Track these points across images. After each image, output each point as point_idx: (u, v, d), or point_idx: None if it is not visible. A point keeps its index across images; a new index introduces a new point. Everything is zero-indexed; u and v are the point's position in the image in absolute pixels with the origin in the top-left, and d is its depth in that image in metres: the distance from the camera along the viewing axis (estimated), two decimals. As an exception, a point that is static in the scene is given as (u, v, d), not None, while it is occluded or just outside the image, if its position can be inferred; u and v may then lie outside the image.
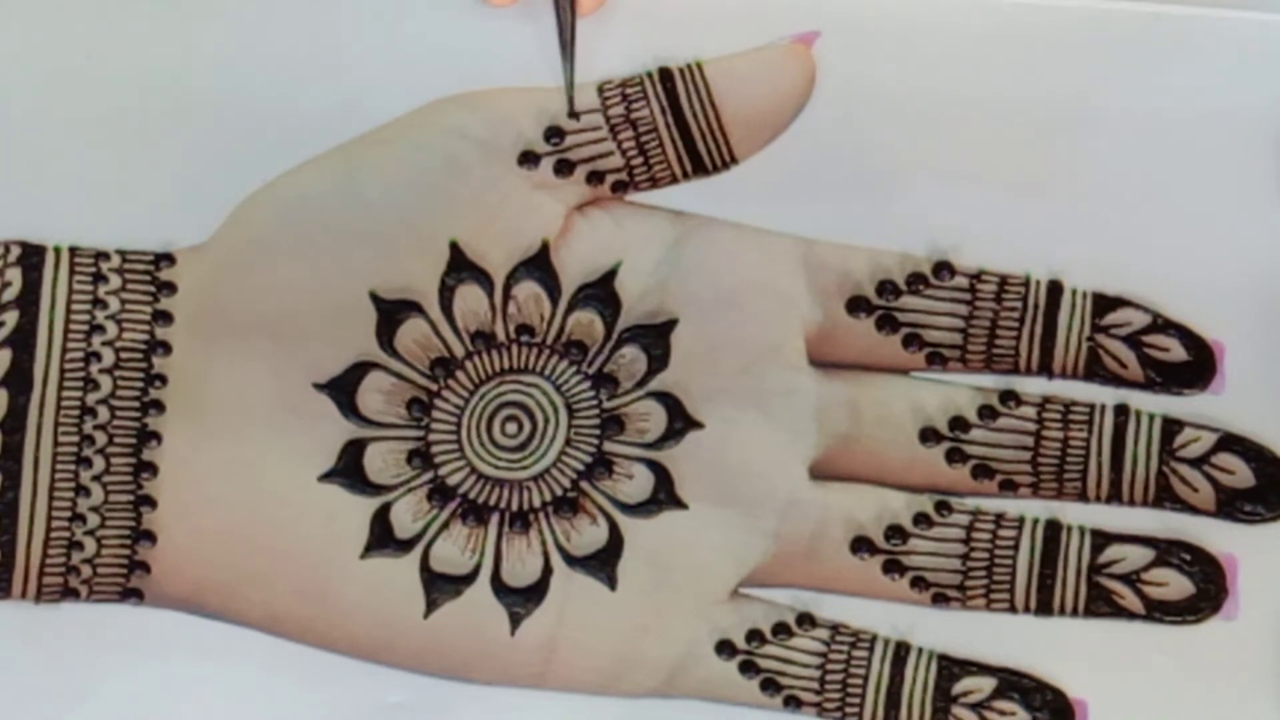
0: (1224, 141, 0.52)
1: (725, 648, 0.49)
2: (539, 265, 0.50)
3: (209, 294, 0.49)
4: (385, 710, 0.49)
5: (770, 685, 0.49)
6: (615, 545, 0.49)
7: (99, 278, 0.49)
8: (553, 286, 0.50)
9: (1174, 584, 0.50)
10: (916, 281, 0.50)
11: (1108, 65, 0.52)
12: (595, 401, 0.50)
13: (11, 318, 0.48)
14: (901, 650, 0.49)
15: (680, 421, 0.49)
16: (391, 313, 0.49)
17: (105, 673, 0.49)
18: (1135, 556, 0.50)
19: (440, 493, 0.49)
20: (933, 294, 0.50)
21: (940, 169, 0.51)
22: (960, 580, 0.49)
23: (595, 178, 0.50)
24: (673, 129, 0.50)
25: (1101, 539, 0.50)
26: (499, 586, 0.49)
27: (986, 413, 0.50)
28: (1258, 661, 0.50)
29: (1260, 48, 0.52)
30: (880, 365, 0.50)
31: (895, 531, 0.49)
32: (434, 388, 0.49)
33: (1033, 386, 0.50)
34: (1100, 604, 0.50)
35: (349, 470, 0.49)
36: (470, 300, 0.49)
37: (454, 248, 0.49)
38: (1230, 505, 0.50)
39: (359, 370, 0.49)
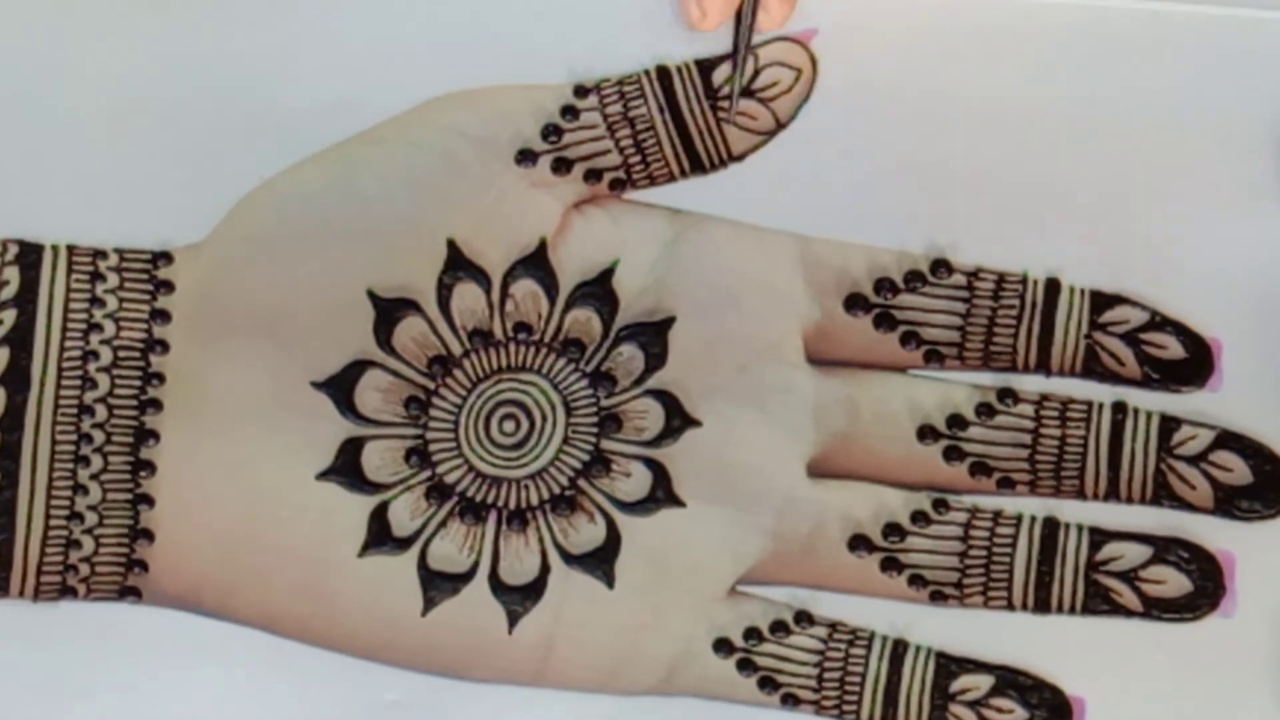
0: (1223, 140, 0.52)
1: (723, 645, 0.49)
2: (537, 263, 0.50)
3: (207, 292, 0.49)
4: (383, 708, 0.49)
5: (768, 683, 0.49)
6: (613, 543, 0.49)
7: (97, 276, 0.49)
8: (550, 285, 0.50)
9: (1172, 581, 0.50)
10: (914, 279, 0.50)
11: (1106, 62, 0.52)
12: (593, 399, 0.50)
13: (9, 316, 0.48)
14: (899, 648, 0.49)
15: (678, 419, 0.49)
16: (389, 311, 0.49)
17: (103, 671, 0.49)
18: (1133, 554, 0.50)
19: (438, 491, 0.49)
20: (930, 292, 0.50)
21: (937, 166, 0.51)
22: (958, 578, 0.49)
23: (593, 176, 0.50)
24: (670, 127, 0.50)
25: (1099, 536, 0.50)
26: (497, 585, 0.49)
27: (984, 410, 0.50)
28: (1255, 658, 0.50)
29: (1260, 47, 0.52)
30: (878, 363, 0.50)
31: (893, 529, 0.49)
32: (432, 386, 0.49)
33: (1031, 384, 0.50)
34: (1098, 601, 0.50)
35: (347, 468, 0.49)
36: (468, 298, 0.49)
37: (451, 246, 0.49)
38: (1228, 502, 0.50)
39: (357, 368, 0.49)
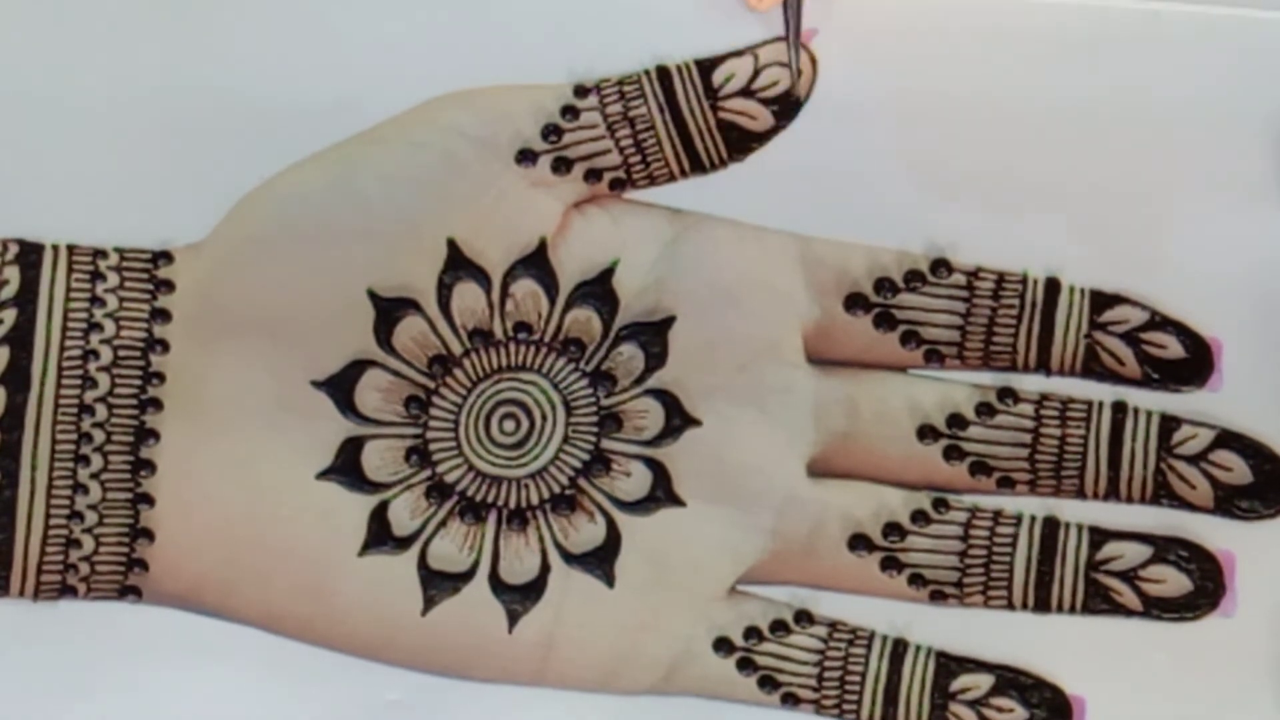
0: (1223, 140, 0.52)
1: (723, 645, 0.49)
2: (537, 263, 0.50)
3: (207, 292, 0.49)
4: (383, 708, 0.49)
5: (768, 682, 0.49)
6: (613, 543, 0.49)
7: (97, 275, 0.49)
8: (550, 284, 0.50)
9: (1172, 581, 0.50)
10: (914, 279, 0.50)
11: (1106, 62, 0.52)
12: (593, 399, 0.50)
13: (9, 315, 0.48)
14: (899, 647, 0.49)
15: (678, 419, 0.49)
16: (389, 310, 0.49)
17: (103, 670, 0.49)
18: (1133, 553, 0.50)
19: (438, 490, 0.49)
20: (930, 291, 0.50)
21: (937, 166, 0.51)
22: (958, 577, 0.50)
23: (593, 175, 0.50)
24: (670, 127, 0.50)
25: (1099, 536, 0.50)
26: (497, 584, 0.49)
27: (984, 410, 0.50)
28: (1255, 658, 0.50)
29: (1260, 47, 0.52)
30: (878, 362, 0.50)
31: (893, 529, 0.49)
32: (432, 385, 0.49)
33: (1031, 384, 0.50)
34: (1098, 601, 0.50)
35: (347, 468, 0.49)
36: (468, 298, 0.49)
37: (451, 245, 0.49)
38: (1228, 502, 0.50)
39: (357, 368, 0.49)
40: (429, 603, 0.49)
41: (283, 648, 0.49)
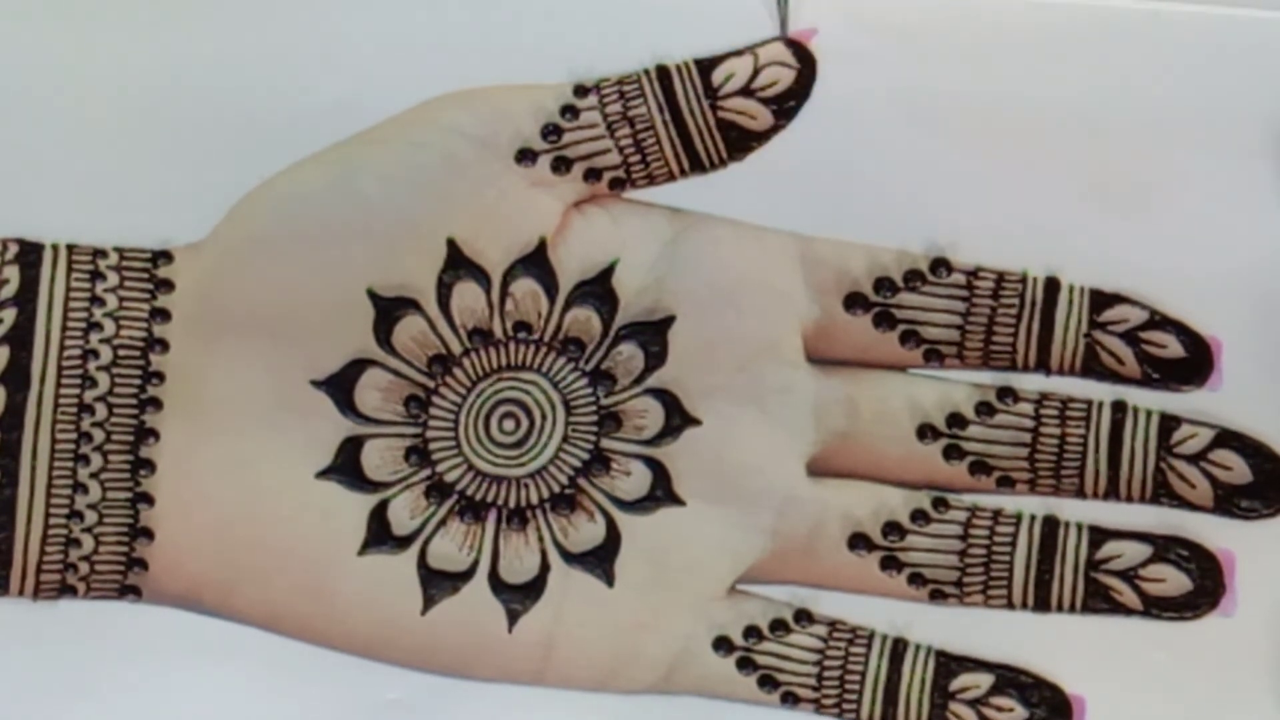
0: (1223, 139, 0.52)
1: (723, 644, 0.49)
2: (536, 263, 0.50)
3: (207, 291, 0.49)
4: (383, 707, 0.49)
5: (768, 682, 0.49)
6: (613, 542, 0.49)
7: (97, 275, 0.49)
8: (550, 284, 0.50)
9: (1172, 580, 0.50)
10: (914, 278, 0.50)
11: (1106, 62, 0.52)
12: (593, 398, 0.50)
13: (9, 315, 0.48)
14: (899, 646, 0.49)
15: (678, 418, 0.49)
16: (389, 310, 0.49)
17: (102, 670, 0.49)
18: (1133, 553, 0.50)
19: (438, 490, 0.49)
20: (930, 291, 0.50)
21: (937, 166, 0.51)
22: (958, 577, 0.50)
23: (593, 175, 0.50)
24: (670, 127, 0.50)
25: (1099, 535, 0.50)
26: (496, 583, 0.49)
27: (984, 409, 0.50)
28: (1255, 657, 0.50)
29: (1260, 47, 0.52)
30: (878, 362, 0.50)
31: (893, 528, 0.49)
32: (431, 385, 0.49)
33: (1030, 383, 0.50)
34: (1098, 600, 0.50)
35: (346, 467, 0.49)
36: (468, 297, 0.49)
37: (451, 245, 0.49)
38: (1228, 501, 0.50)
39: (356, 367, 0.49)
40: (429, 602, 0.49)
41: (283, 648, 0.49)
